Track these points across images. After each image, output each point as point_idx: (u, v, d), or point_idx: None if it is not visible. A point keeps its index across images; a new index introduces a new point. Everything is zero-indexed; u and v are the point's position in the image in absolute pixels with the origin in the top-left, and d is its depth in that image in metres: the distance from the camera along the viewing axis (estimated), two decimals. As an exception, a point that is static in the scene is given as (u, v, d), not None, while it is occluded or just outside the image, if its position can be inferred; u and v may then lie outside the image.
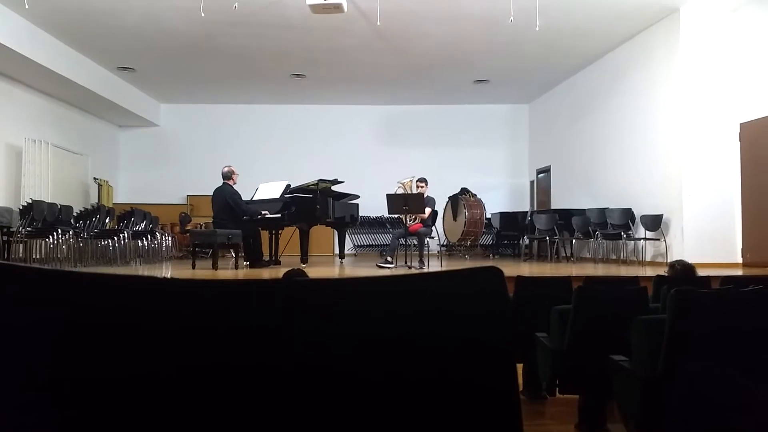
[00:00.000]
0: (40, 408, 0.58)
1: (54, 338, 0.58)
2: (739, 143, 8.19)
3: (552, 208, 11.77)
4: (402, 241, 8.26)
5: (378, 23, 8.02)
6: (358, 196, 9.14)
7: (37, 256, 8.57)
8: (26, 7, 7.54)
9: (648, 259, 8.88)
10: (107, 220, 9.83)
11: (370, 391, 0.61)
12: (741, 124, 8.16)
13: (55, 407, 0.58)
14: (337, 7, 7.22)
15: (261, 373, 0.60)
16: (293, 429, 0.60)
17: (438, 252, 9.91)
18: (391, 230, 12.05)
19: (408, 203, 7.75)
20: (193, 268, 7.74)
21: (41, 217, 8.35)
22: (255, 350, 0.61)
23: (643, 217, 8.80)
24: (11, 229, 8.25)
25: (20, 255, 8.44)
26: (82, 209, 10.03)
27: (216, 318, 0.60)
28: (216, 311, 0.60)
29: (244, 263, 8.09)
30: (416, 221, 8.16)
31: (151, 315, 0.59)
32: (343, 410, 0.61)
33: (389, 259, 8.06)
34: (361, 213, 9.72)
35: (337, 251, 9.71)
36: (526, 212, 11.83)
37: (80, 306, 0.59)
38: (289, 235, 8.81)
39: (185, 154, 13.48)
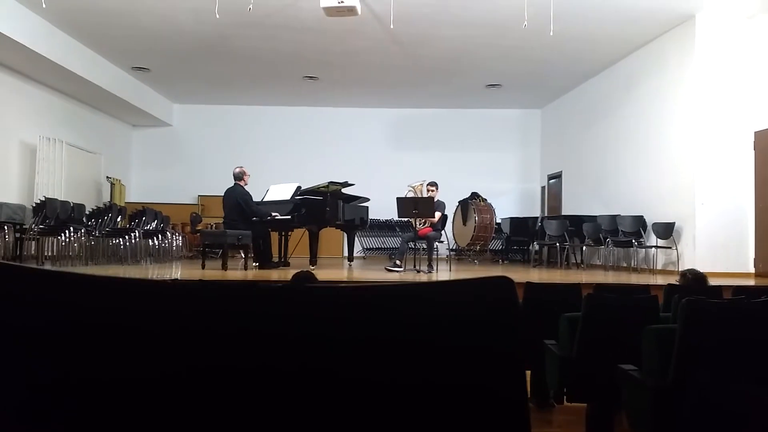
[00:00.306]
0: (40, 408, 0.58)
1: (53, 339, 0.58)
2: (753, 152, 8.11)
3: (563, 214, 11.70)
4: (411, 244, 8.25)
5: (391, 26, 8.03)
6: (368, 199, 9.14)
7: (49, 254, 8.64)
8: (44, 6, 7.62)
9: (659, 267, 8.81)
10: (119, 219, 9.90)
11: (378, 398, 0.61)
12: (756, 133, 8.08)
13: (55, 408, 0.58)
14: (351, 10, 7.24)
15: (265, 377, 0.60)
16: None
17: (447, 256, 9.89)
18: (400, 234, 12.05)
19: (418, 207, 7.74)
20: (203, 268, 7.77)
21: (54, 215, 8.42)
22: (260, 354, 0.61)
23: (654, 224, 8.73)
24: (24, 227, 8.33)
25: (32, 252, 8.52)
26: (95, 208, 10.11)
27: (218, 320, 0.60)
28: (219, 313, 0.60)
29: (254, 264, 8.12)
30: (426, 225, 8.15)
31: (152, 317, 0.59)
32: (350, 416, 0.61)
33: (398, 262, 8.05)
34: (371, 216, 9.72)
35: (346, 254, 9.72)
36: (537, 218, 11.78)
37: (81, 307, 0.59)
38: (299, 236, 8.83)
39: (197, 154, 13.56)
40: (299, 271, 3.81)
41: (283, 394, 0.60)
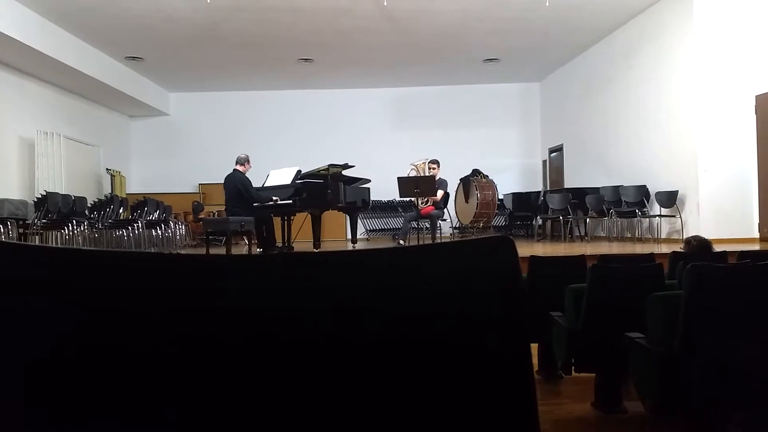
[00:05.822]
0: (35, 385, 0.57)
1: (48, 315, 0.57)
2: (755, 116, 8.04)
3: (565, 187, 11.67)
4: (414, 224, 8.24)
5: (385, 4, 7.93)
6: (369, 180, 9.11)
7: (54, 248, 8.65)
8: (33, -1, 7.54)
9: (663, 236, 8.80)
10: (121, 210, 9.91)
11: (378, 366, 0.60)
12: (756, 97, 8.00)
13: (50, 386, 0.57)
14: (343, -11, 7.14)
15: (265, 349, 0.59)
16: (297, 406, 0.59)
17: (450, 234, 9.89)
18: (402, 213, 12.04)
19: (419, 186, 7.71)
20: (207, 255, 7.78)
21: (56, 209, 8.42)
22: (258, 325, 0.60)
23: (658, 193, 8.69)
24: (27, 222, 8.34)
25: (37, 247, 8.52)
26: (96, 200, 10.11)
27: (216, 292, 0.59)
28: (215, 286, 0.59)
29: (258, 250, 8.13)
30: (428, 204, 8.13)
31: (144, 291, 0.58)
32: (351, 384, 0.60)
33: (401, 242, 8.06)
34: (373, 197, 9.69)
35: (349, 236, 9.72)
36: (539, 192, 11.75)
37: (73, 283, 0.57)
38: (302, 220, 8.82)
39: (196, 142, 13.51)
40: (302, 253, 3.81)
41: (287, 365, 0.60)
